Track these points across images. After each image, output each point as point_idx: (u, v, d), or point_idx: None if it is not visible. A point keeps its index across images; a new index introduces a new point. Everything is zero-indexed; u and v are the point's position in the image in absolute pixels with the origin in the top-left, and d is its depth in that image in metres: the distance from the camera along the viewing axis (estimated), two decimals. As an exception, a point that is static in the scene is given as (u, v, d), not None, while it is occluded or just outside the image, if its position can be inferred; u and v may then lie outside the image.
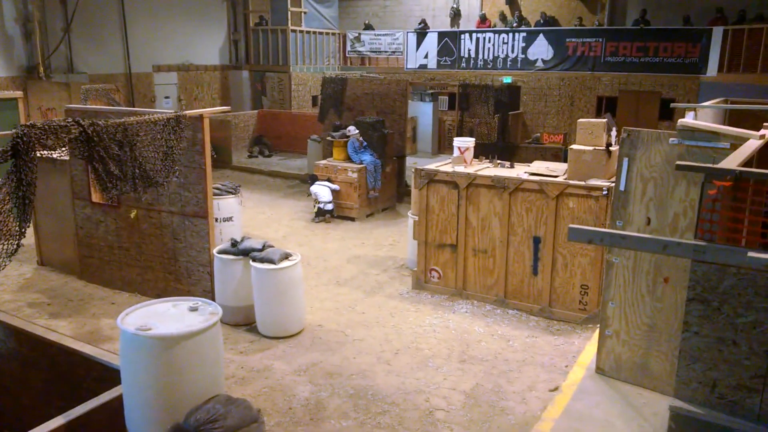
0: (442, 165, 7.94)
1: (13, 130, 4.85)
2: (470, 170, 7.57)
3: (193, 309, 3.67)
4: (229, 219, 8.86)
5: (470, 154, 8.01)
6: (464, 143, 8.12)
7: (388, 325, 6.98)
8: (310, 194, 11.52)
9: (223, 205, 8.71)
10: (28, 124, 4.99)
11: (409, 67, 20.06)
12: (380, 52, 20.77)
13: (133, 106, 15.40)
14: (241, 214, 9.31)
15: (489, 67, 18.62)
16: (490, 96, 14.37)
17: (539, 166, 7.65)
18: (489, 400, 5.50)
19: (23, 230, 5.03)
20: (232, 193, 9.01)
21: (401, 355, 6.29)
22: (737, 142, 4.20)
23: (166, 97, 18.00)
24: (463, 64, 18.97)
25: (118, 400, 3.51)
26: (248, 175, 15.69)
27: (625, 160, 5.03)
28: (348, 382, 5.77)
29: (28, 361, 4.56)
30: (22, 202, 5.00)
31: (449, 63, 19.31)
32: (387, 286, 8.16)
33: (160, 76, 17.84)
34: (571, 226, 2.88)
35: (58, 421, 3.24)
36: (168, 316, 3.59)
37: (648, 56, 16.50)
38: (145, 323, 3.45)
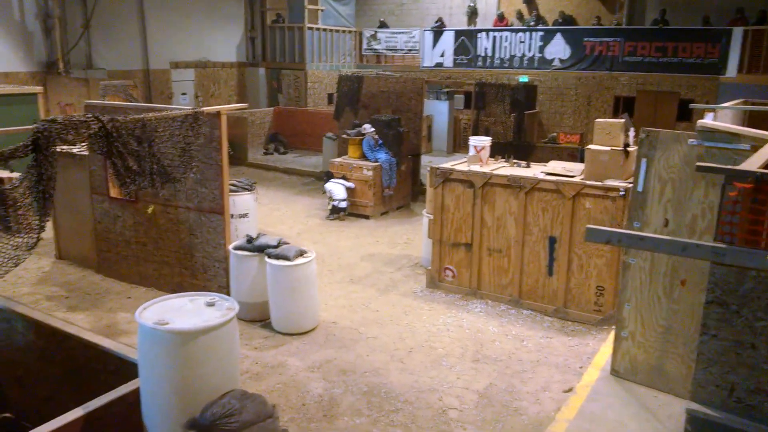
0: (458, 164, 7.92)
1: (34, 125, 4.92)
2: (486, 169, 7.55)
3: (210, 304, 3.70)
4: (245, 215, 8.91)
5: (486, 153, 7.98)
6: (480, 142, 8.09)
7: (401, 324, 6.98)
8: (324, 192, 11.54)
9: (239, 202, 8.75)
10: (48, 119, 5.05)
11: (425, 65, 20.05)
12: (396, 50, 20.76)
13: (151, 103, 15.52)
14: (256, 210, 9.35)
15: (505, 66, 18.55)
16: (507, 95, 14.28)
17: (556, 165, 7.61)
18: (502, 399, 5.48)
19: (43, 224, 5.10)
20: (248, 190, 9.06)
21: (415, 354, 6.29)
22: (758, 144, 4.15)
23: (183, 94, 18.13)
24: (480, 63, 18.93)
25: (135, 394, 3.55)
26: (263, 172, 15.76)
27: (644, 161, 4.99)
28: (361, 379, 5.79)
29: (45, 353, 4.62)
30: (41, 197, 5.07)
31: (465, 62, 19.27)
32: (401, 285, 8.17)
33: (178, 73, 17.97)
34: (589, 226, 2.87)
35: (77, 412, 3.29)
36: (185, 310, 3.62)
37: (667, 56, 16.36)
38: (162, 317, 3.49)
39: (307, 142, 17.93)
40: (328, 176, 11.60)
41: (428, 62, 19.99)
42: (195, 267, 7.42)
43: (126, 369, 3.88)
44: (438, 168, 7.76)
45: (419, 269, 8.69)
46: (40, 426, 3.35)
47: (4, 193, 4.95)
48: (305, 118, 18.48)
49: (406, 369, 5.99)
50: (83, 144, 6.47)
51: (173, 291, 7.01)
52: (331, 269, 8.72)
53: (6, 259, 5.03)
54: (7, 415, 4.99)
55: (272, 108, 19.44)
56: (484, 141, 8.13)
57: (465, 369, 6.01)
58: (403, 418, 5.19)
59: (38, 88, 11.25)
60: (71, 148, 7.68)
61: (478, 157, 7.93)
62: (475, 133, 13.65)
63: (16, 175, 6.44)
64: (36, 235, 5.10)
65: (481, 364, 6.12)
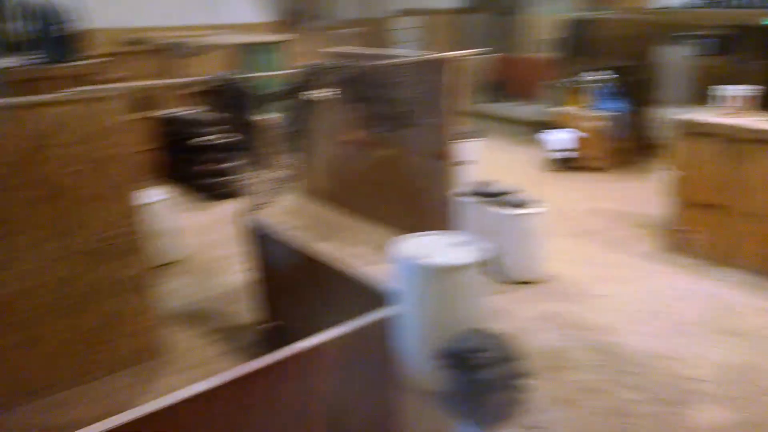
0: (710, 116, 7.13)
1: (302, 68, 5.40)
2: (747, 123, 6.70)
3: (459, 243, 3.82)
4: (468, 162, 8.97)
5: (746, 104, 7.08)
6: (738, 92, 7.20)
7: (633, 284, 6.62)
8: (545, 142, 11.18)
9: (464, 149, 8.82)
10: (313, 63, 5.51)
11: (661, 5, 18.15)
12: (630, -9, 19.05)
13: (377, 50, 16.17)
14: (479, 158, 9.37)
15: (758, 5, 16.10)
16: (759, 39, 12.43)
17: (838, 121, 6.51)
18: (753, 378, 4.99)
19: (299, 162, 5.67)
20: (472, 137, 9.10)
21: (649, 318, 5.95)
22: None
23: (406, 42, 18.56)
24: (732, 2, 16.64)
25: (389, 321, 3.83)
26: (482, 120, 15.70)
27: None
28: (590, 335, 5.64)
29: (307, 277, 5.14)
30: (298, 137, 5.62)
31: (710, 1, 17.07)
32: (633, 244, 7.69)
33: (401, 21, 18.43)
34: None
35: (342, 329, 3.64)
36: (437, 247, 3.80)
37: None
38: (419, 252, 3.69)
39: (527, 90, 17.42)
40: (550, 126, 11.20)
41: (666, 2, 18.05)
42: (424, 210, 7.69)
43: (377, 298, 4.17)
44: (686, 120, 7.06)
45: (654, 229, 8.09)
46: (310, 337, 3.74)
47: (265, 133, 5.57)
48: (526, 66, 17.93)
49: (638, 332, 5.70)
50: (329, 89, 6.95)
51: (404, 231, 7.36)
52: (556, 222, 8.46)
53: (269, 190, 5.72)
54: (281, 322, 5.71)
55: (491, 55, 19.12)
56: (744, 91, 7.22)
57: (708, 341, 5.55)
58: (636, 381, 4.98)
59: (286, 36, 12.22)
60: (318, 93, 8.29)
61: (735, 109, 7.07)
62: (720, 83, 12.17)
63: (275, 116, 7.14)
64: (293, 172, 5.69)
65: (726, 336, 5.60)
